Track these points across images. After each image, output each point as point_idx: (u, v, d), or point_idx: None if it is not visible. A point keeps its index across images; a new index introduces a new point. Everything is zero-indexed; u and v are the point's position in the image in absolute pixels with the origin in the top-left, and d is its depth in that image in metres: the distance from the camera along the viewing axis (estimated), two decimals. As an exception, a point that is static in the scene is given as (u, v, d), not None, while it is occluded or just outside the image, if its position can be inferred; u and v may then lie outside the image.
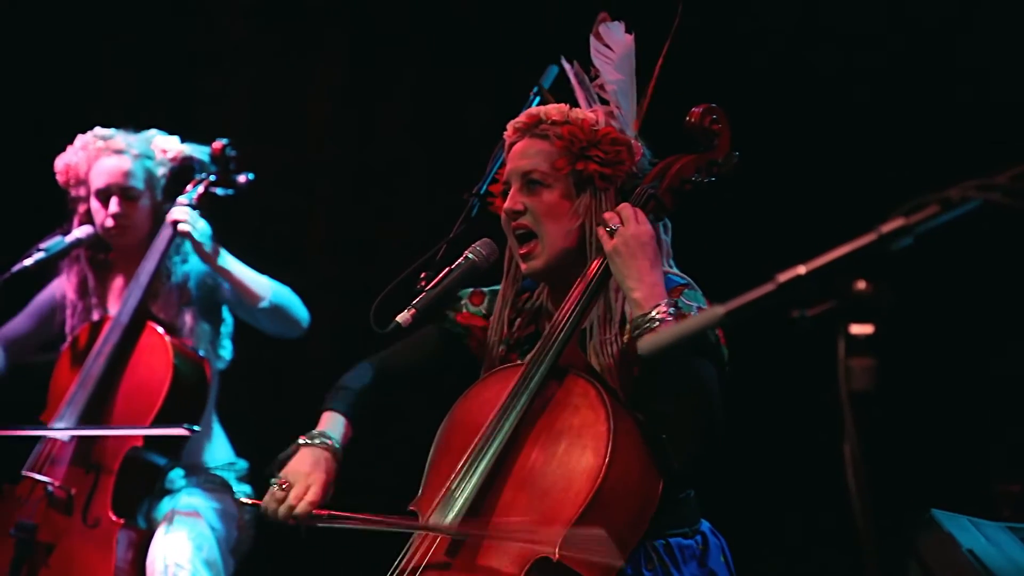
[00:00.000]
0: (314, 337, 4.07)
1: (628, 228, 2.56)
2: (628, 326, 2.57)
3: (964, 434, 3.75)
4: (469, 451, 2.58)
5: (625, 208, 2.60)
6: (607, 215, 2.61)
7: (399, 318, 2.70)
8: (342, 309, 4.69)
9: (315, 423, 2.82)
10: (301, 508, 2.65)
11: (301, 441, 2.76)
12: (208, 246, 3.73)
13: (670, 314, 2.50)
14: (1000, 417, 3.71)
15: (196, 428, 3.56)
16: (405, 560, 2.58)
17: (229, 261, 3.76)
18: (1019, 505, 2.83)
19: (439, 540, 2.55)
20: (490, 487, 2.55)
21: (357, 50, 4.86)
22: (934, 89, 3.87)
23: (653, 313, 2.49)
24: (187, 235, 3.71)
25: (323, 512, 2.66)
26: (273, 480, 2.72)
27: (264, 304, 3.76)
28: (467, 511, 2.53)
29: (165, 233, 3.81)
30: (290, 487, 2.68)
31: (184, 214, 3.72)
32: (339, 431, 2.79)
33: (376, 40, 4.84)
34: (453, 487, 2.56)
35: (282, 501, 2.67)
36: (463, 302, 2.89)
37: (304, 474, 2.69)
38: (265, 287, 3.78)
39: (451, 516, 2.53)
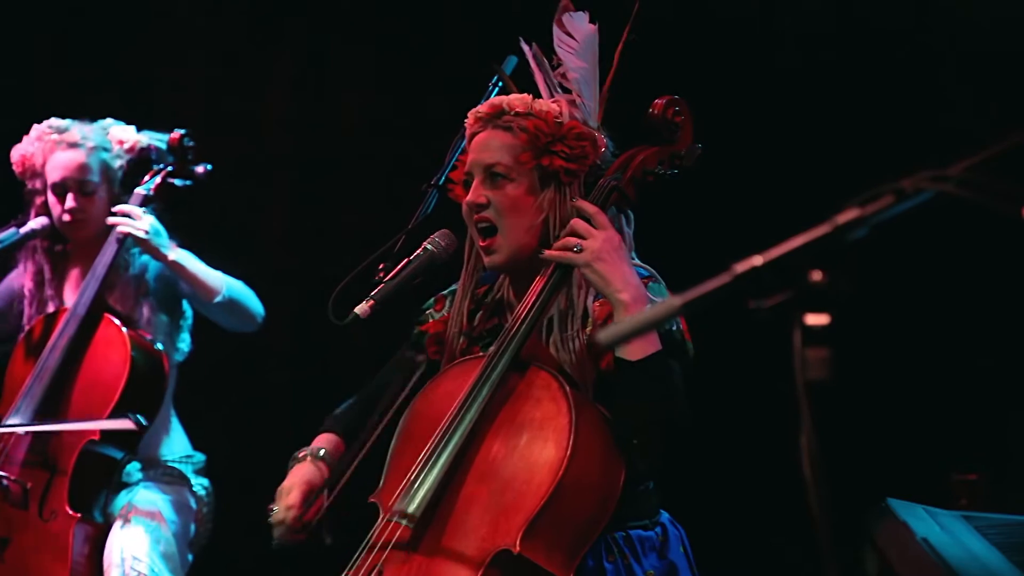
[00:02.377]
0: (272, 329, 4.06)
1: (596, 239, 2.55)
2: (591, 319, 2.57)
3: (920, 424, 3.78)
4: (431, 442, 2.58)
5: (578, 223, 2.58)
6: (567, 239, 2.58)
7: (357, 309, 2.69)
8: (300, 301, 4.67)
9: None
10: (287, 517, 2.72)
11: (295, 456, 2.85)
12: (157, 242, 3.69)
13: None
14: (956, 407, 3.74)
15: (143, 420, 3.54)
16: (365, 551, 2.58)
17: (183, 256, 3.74)
18: (974, 494, 2.85)
19: (401, 531, 2.54)
20: (451, 479, 2.55)
21: (315, 40, 4.84)
22: (890, 80, 3.89)
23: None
24: (129, 236, 3.68)
25: (301, 509, 2.71)
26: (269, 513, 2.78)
27: (218, 299, 3.74)
28: (428, 503, 2.53)
29: None
30: (277, 507, 2.75)
31: (128, 214, 3.69)
32: (326, 443, 2.87)
33: (335, 30, 4.82)
34: (414, 478, 2.56)
35: (277, 523, 2.74)
36: (428, 312, 2.89)
37: (283, 488, 2.77)
38: (219, 282, 3.75)
39: (412, 507, 2.53)
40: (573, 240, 2.56)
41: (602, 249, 2.53)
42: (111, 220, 3.72)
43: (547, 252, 2.60)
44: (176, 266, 3.72)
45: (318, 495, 2.74)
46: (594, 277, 2.54)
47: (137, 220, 3.68)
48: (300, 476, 2.79)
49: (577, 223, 2.58)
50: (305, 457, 2.84)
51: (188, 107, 4.75)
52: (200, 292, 3.75)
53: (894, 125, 3.83)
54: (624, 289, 2.50)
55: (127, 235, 3.68)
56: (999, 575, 1.85)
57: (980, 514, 2.26)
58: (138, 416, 3.53)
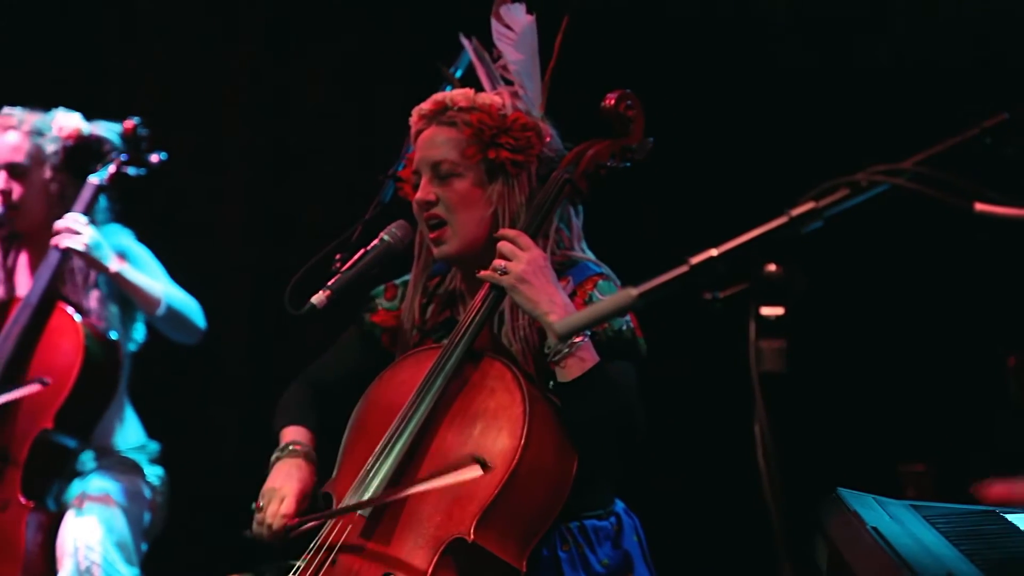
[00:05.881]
0: (229, 319, 4.05)
1: (519, 262, 2.55)
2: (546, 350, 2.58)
3: (869, 416, 3.82)
4: (386, 433, 2.59)
5: (503, 246, 2.58)
6: (495, 261, 2.57)
7: (314, 299, 2.69)
8: (256, 291, 4.66)
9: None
10: (276, 524, 2.64)
11: (273, 458, 2.77)
12: (98, 254, 3.68)
13: (586, 334, 2.53)
14: (904, 399, 3.78)
15: (46, 381, 3.53)
16: (321, 540, 2.58)
17: (124, 268, 3.72)
18: (922, 484, 2.89)
19: (355, 522, 2.55)
20: (405, 469, 2.56)
21: (273, 30, 4.82)
22: (846, 74, 3.92)
23: (573, 338, 2.51)
24: (69, 250, 3.66)
25: (295, 520, 2.64)
26: (253, 504, 2.70)
27: (159, 312, 3.74)
28: (382, 493, 2.53)
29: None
30: (267, 506, 2.67)
31: (69, 227, 3.67)
32: (304, 437, 2.81)
33: (292, 20, 4.80)
34: (369, 468, 2.56)
35: (262, 523, 2.66)
36: (377, 301, 2.89)
37: (276, 489, 2.68)
38: (160, 294, 3.74)
39: (367, 498, 2.53)
40: (500, 262, 2.56)
41: (525, 271, 2.53)
42: (55, 234, 3.69)
43: (480, 273, 2.61)
44: (117, 278, 3.71)
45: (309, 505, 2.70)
46: (520, 299, 2.54)
47: (78, 234, 3.66)
48: (294, 481, 2.70)
49: (502, 246, 2.58)
50: (295, 453, 2.76)
51: (145, 96, 4.72)
52: (141, 304, 3.75)
53: (848, 118, 3.86)
54: (552, 310, 2.50)
55: (67, 249, 3.67)
56: (946, 563, 1.88)
57: (928, 503, 2.29)
58: (42, 378, 3.52)
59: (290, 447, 2.77)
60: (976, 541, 2.03)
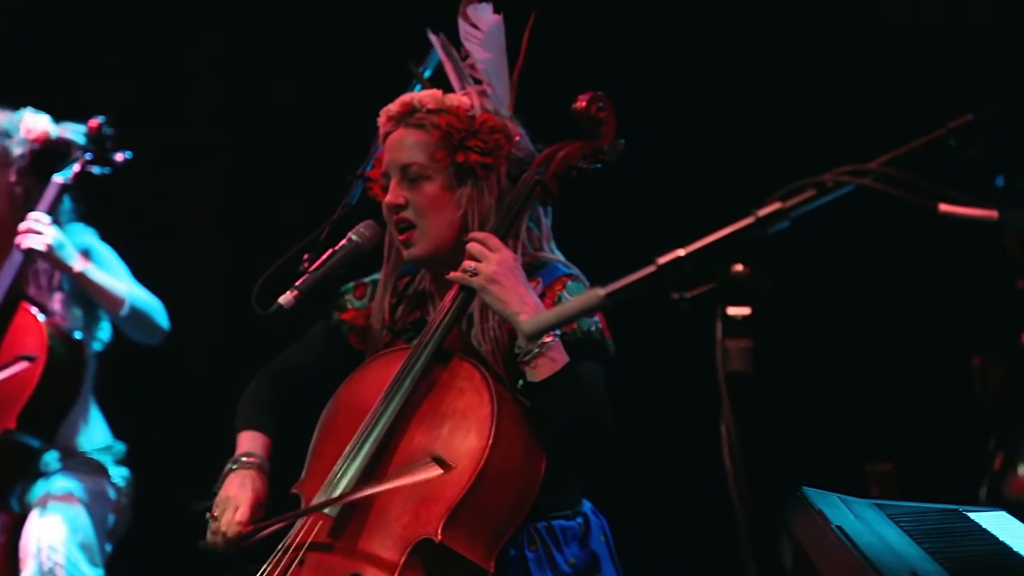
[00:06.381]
0: (197, 319, 4.03)
1: (489, 263, 2.55)
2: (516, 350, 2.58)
3: (835, 415, 3.84)
4: (354, 435, 2.58)
5: (472, 247, 2.58)
6: (465, 263, 2.57)
7: (281, 299, 2.69)
8: (224, 291, 4.64)
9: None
10: (231, 531, 2.64)
11: (227, 468, 2.76)
12: (61, 255, 3.66)
13: (556, 334, 2.53)
14: (870, 399, 3.80)
15: (33, 357, 3.51)
16: (287, 543, 2.58)
17: (88, 268, 3.71)
18: (886, 483, 2.92)
19: (322, 522, 2.54)
20: (374, 469, 2.55)
21: (242, 28, 4.80)
22: (815, 75, 3.94)
23: (543, 338, 2.52)
24: (32, 251, 3.65)
25: (249, 528, 2.64)
26: (207, 514, 2.70)
27: (122, 312, 3.73)
28: (350, 494, 2.53)
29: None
30: (221, 515, 2.66)
31: (31, 228, 3.65)
32: (259, 446, 2.80)
33: (262, 18, 4.79)
34: (337, 469, 2.56)
35: (216, 532, 2.66)
36: (347, 298, 2.88)
37: (230, 498, 2.68)
38: (123, 295, 3.73)
39: (334, 498, 2.53)
40: (470, 264, 2.57)
41: (496, 272, 2.53)
42: (20, 229, 3.67)
43: (450, 274, 2.61)
44: (81, 278, 3.70)
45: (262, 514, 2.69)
46: (491, 300, 2.54)
47: (41, 234, 3.64)
48: (245, 487, 2.69)
49: (472, 247, 2.58)
50: (248, 465, 2.75)
51: (113, 95, 4.69)
52: (104, 304, 3.75)
53: (816, 119, 3.88)
54: (522, 311, 2.50)
55: (29, 251, 3.65)
56: (910, 561, 1.89)
57: (892, 502, 2.30)
58: (28, 355, 3.50)
59: (243, 459, 2.76)
60: (940, 539, 2.04)
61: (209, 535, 2.67)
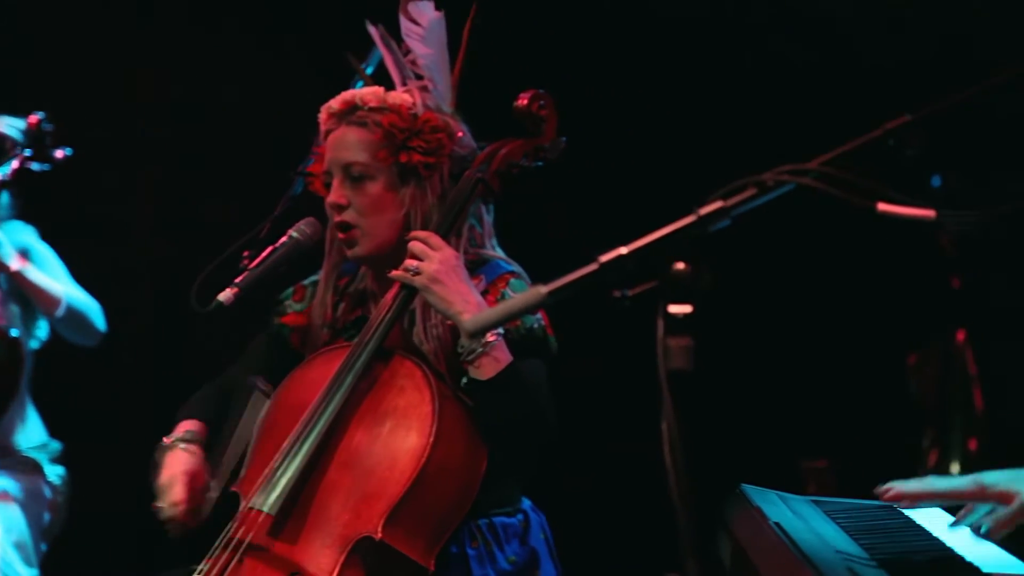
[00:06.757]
0: (136, 316, 4.00)
1: (432, 262, 2.54)
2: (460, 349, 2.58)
3: (773, 413, 3.88)
4: (293, 431, 2.58)
5: (414, 246, 2.58)
6: (407, 261, 2.57)
7: (221, 296, 2.67)
8: (164, 289, 4.60)
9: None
10: (172, 512, 2.63)
11: (162, 444, 2.74)
12: None
13: (499, 332, 2.54)
14: (807, 397, 3.84)
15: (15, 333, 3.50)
16: (225, 541, 2.56)
17: (26, 267, 3.67)
18: (824, 480, 2.95)
19: (262, 519, 2.53)
20: (314, 468, 2.55)
21: (183, 24, 4.76)
22: (755, 73, 3.97)
23: (486, 336, 2.52)
24: None
25: (188, 504, 2.64)
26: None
27: (58, 313, 3.70)
28: (290, 491, 2.52)
29: None
30: (163, 502, 2.65)
31: None
32: (195, 427, 2.78)
33: (202, 14, 4.75)
34: (276, 467, 2.55)
35: (166, 519, 2.65)
36: (286, 303, 2.87)
37: (166, 483, 2.67)
38: (60, 295, 3.70)
39: (273, 496, 2.52)
40: (412, 263, 2.56)
41: (438, 271, 2.53)
42: None
43: (392, 273, 2.60)
44: (18, 277, 3.67)
45: (203, 484, 2.69)
46: (433, 299, 2.54)
47: None
48: (178, 467, 2.69)
49: (413, 246, 2.57)
50: (174, 444, 2.74)
51: (53, 91, 4.63)
52: (40, 304, 3.72)
53: (757, 118, 3.91)
54: (465, 309, 2.49)
55: None
56: (846, 556, 1.91)
57: (829, 499, 2.33)
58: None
59: (178, 437, 2.75)
60: (876, 536, 2.07)
61: (166, 526, 2.66)
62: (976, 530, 2.03)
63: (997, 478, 2.00)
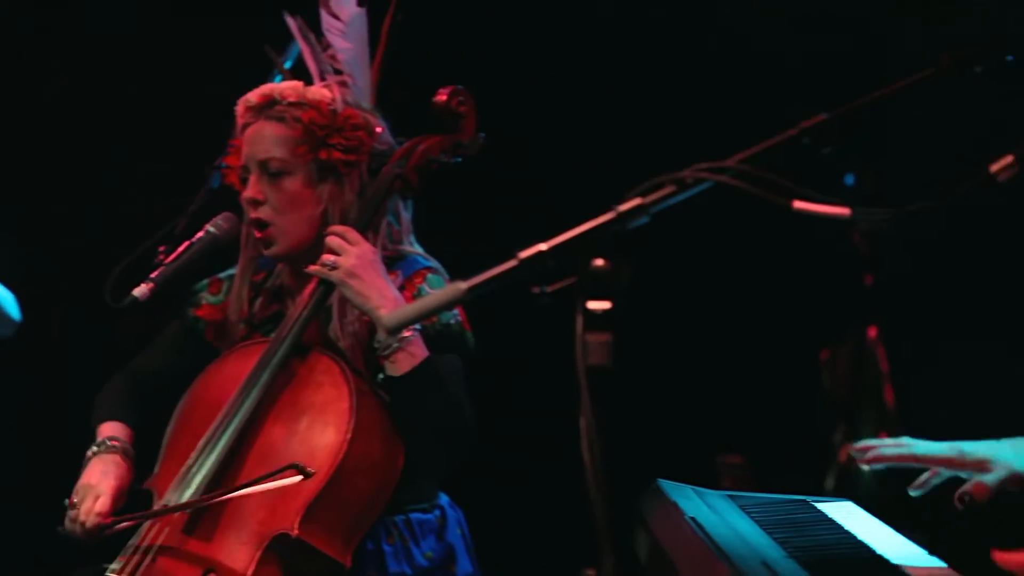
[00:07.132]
0: (50, 313, 3.93)
1: (349, 257, 2.53)
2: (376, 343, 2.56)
3: (689, 408, 3.91)
4: (209, 428, 2.55)
5: (331, 240, 2.57)
6: (324, 256, 2.55)
7: (136, 292, 2.65)
8: (77, 284, 4.53)
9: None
10: (90, 521, 2.55)
11: (89, 453, 2.67)
12: None
13: (416, 328, 2.53)
14: (722, 392, 3.88)
15: None
16: (139, 539, 2.53)
17: None
18: (739, 475, 2.97)
19: (175, 520, 2.51)
20: (230, 464, 2.53)
21: (97, 15, 4.70)
22: (676, 69, 4.00)
23: (403, 332, 2.51)
24: None
25: (110, 519, 2.55)
26: (66, 500, 2.60)
27: None
28: (205, 488, 2.50)
29: None
30: (80, 503, 2.58)
31: None
32: (122, 433, 2.72)
33: (118, 4, 4.69)
34: (191, 464, 2.53)
35: (75, 520, 2.57)
36: (201, 295, 2.83)
37: (92, 486, 2.59)
38: None
39: (188, 494, 2.50)
40: (329, 257, 2.55)
41: (355, 266, 2.52)
42: None
43: (309, 268, 2.59)
44: None
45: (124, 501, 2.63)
46: (350, 294, 2.53)
47: None
48: (110, 478, 2.61)
49: (331, 240, 2.56)
50: (112, 449, 2.67)
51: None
52: None
53: (675, 116, 3.93)
54: (382, 304, 2.49)
55: None
56: (760, 551, 1.94)
57: (744, 493, 2.36)
58: None
59: (107, 442, 2.68)
60: (788, 529, 2.10)
61: (68, 522, 2.59)
62: (960, 497, 2.08)
63: (975, 447, 2.10)
